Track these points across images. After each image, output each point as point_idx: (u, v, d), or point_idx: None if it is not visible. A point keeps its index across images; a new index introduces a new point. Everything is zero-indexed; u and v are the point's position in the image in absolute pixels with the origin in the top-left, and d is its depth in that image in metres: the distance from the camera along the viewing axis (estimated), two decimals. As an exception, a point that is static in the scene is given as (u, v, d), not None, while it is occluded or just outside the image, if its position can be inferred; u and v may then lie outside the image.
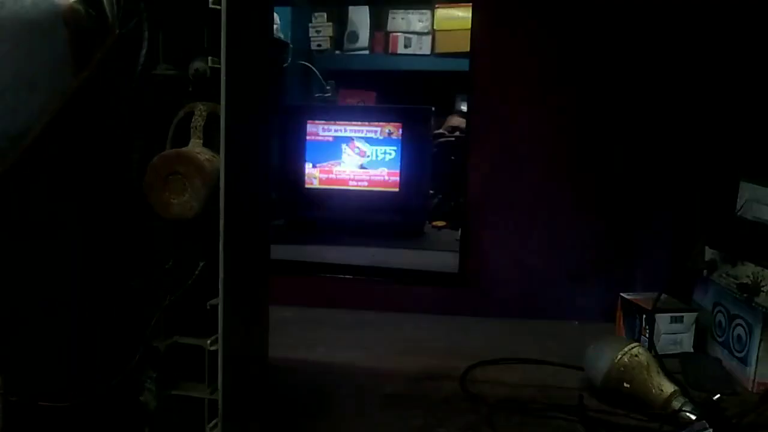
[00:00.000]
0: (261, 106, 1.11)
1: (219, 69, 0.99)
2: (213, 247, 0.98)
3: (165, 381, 1.08)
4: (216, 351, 1.00)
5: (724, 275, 1.62)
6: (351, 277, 2.33)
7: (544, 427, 1.43)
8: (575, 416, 1.45)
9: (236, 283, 1.00)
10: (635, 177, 2.09)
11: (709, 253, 1.68)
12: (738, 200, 1.63)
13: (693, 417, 1.38)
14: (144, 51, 1.00)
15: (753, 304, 1.51)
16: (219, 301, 0.97)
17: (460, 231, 2.56)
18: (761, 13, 1.81)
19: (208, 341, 1.03)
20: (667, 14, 1.96)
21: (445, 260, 2.49)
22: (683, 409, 1.40)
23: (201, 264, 1.03)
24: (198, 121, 1.04)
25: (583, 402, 1.47)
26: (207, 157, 1.01)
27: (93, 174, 1.02)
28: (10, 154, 0.86)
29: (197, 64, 1.03)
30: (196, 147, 1.03)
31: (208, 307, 1.01)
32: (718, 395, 1.42)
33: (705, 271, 1.70)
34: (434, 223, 3.53)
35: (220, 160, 0.96)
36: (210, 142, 1.05)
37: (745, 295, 1.52)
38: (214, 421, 1.00)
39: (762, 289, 1.48)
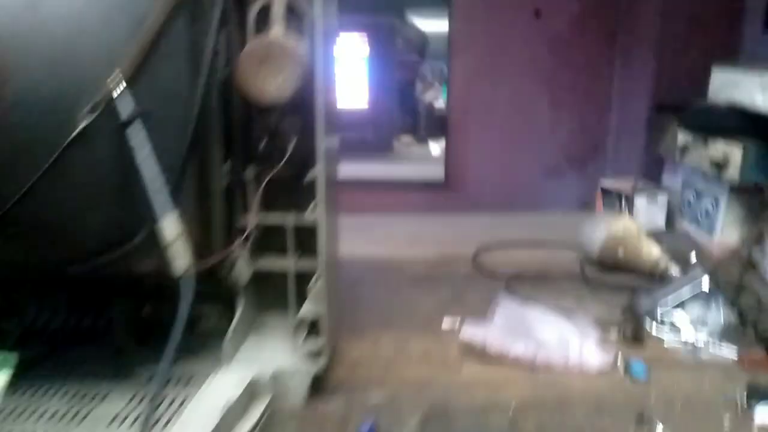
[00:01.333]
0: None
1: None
2: (304, 123, 1.09)
3: (255, 257, 1.19)
4: (310, 223, 1.12)
5: (696, 156, 1.83)
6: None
7: (553, 288, 1.66)
8: (578, 279, 1.68)
9: (326, 156, 1.10)
10: (607, 70, 2.29)
11: (681, 139, 1.89)
12: (710, 85, 1.82)
13: (676, 274, 1.63)
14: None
15: (722, 179, 1.74)
16: (318, 171, 1.08)
17: (429, 144, 2.69)
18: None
19: (305, 213, 1.14)
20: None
21: (426, 171, 2.66)
22: (668, 266, 1.66)
23: (294, 138, 1.12)
24: (278, 10, 1.11)
25: (584, 268, 1.70)
26: (292, 43, 1.09)
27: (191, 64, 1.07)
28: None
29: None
30: (280, 34, 1.10)
31: (304, 182, 1.12)
32: (693, 253, 1.68)
33: (677, 155, 1.92)
34: (400, 138, 3.65)
35: (315, 48, 1.05)
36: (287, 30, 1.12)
37: (716, 170, 1.74)
38: (315, 276, 1.13)
39: (730, 163, 1.70)
